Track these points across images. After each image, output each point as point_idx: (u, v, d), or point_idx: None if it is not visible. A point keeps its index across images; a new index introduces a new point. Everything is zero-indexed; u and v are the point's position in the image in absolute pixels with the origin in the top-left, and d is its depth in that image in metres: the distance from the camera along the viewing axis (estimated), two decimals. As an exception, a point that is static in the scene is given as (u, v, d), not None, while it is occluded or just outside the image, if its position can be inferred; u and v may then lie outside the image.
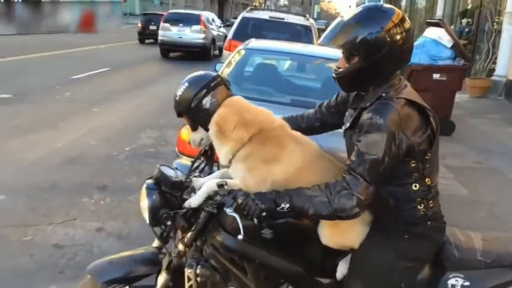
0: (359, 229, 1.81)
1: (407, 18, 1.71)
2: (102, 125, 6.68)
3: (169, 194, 1.98)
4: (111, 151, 5.51)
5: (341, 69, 1.71)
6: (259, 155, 1.82)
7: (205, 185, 1.88)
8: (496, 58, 11.07)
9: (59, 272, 3.00)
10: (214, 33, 17.30)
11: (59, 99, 8.21)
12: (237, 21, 9.06)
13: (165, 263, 1.99)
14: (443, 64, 6.91)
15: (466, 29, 13.17)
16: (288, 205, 1.66)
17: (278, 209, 1.67)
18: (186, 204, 1.88)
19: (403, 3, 19.92)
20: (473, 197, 4.47)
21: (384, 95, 1.68)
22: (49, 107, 7.50)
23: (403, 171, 1.68)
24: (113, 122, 6.90)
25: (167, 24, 15.98)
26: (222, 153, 1.86)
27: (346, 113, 1.89)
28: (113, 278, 2.00)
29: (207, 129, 1.87)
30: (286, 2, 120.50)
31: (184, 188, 1.98)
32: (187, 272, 1.90)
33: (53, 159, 5.08)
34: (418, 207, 1.72)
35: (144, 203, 1.98)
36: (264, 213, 1.67)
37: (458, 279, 1.80)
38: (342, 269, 1.86)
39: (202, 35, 16.07)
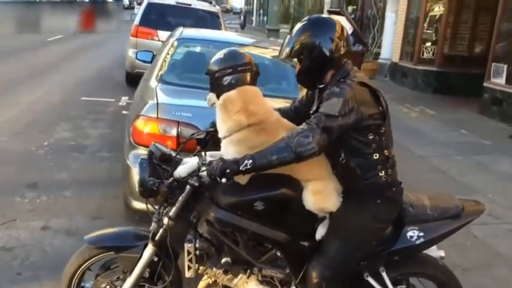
0: (336, 197, 2.12)
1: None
2: (7, 119, 6.19)
3: (159, 166, 2.17)
4: (28, 146, 5.19)
5: (303, 69, 2.08)
6: (250, 142, 2.04)
7: (193, 158, 2.16)
8: (381, 43, 12.26)
9: (16, 273, 2.89)
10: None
11: None
12: (142, 7, 8.88)
13: (151, 235, 2.17)
14: (345, 50, 7.55)
15: (352, 16, 14.29)
16: (250, 161, 1.89)
17: (241, 167, 1.89)
18: (176, 173, 2.10)
19: (293, -10, 20.84)
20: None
21: (342, 79, 2.01)
22: None
23: (364, 143, 2.01)
24: (18, 115, 6.43)
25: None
26: (222, 128, 2.12)
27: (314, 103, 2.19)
28: (104, 246, 2.26)
29: (218, 99, 2.16)
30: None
31: (174, 163, 2.18)
32: (187, 246, 2.13)
33: (-36, 158, 4.68)
34: (380, 174, 2.05)
35: (137, 175, 2.16)
36: (228, 171, 1.88)
37: (415, 231, 2.19)
38: (320, 231, 2.17)
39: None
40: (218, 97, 2.15)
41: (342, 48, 2.04)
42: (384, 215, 2.12)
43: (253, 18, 28.88)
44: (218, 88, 2.17)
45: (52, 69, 10.18)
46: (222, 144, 2.16)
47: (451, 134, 7.36)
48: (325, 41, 2.01)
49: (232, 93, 2.09)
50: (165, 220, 2.13)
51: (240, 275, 2.21)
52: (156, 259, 2.22)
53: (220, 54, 2.22)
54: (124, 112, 7.16)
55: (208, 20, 8.78)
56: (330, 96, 1.95)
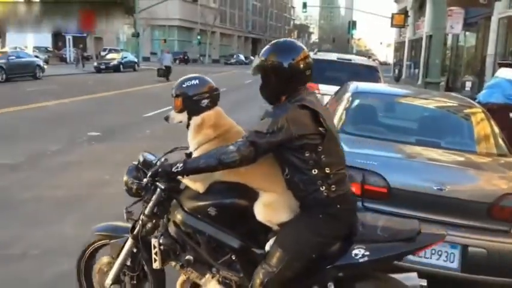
0: (286, 211, 2.27)
1: (309, 55, 2.28)
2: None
3: (142, 170, 2.53)
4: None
5: (262, 86, 2.29)
6: None
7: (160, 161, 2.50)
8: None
9: None
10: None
11: (142, 137, 8.70)
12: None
13: (130, 229, 2.55)
14: (518, 103, 7.06)
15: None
16: (181, 164, 2.22)
17: (173, 169, 2.24)
18: (149, 173, 2.38)
19: (449, 42, 20.18)
20: None
21: (287, 102, 2.20)
22: (138, 143, 7.72)
23: (302, 160, 2.16)
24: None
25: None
26: (193, 142, 2.45)
27: None
28: (101, 234, 2.74)
29: (190, 118, 2.45)
30: (317, 40, 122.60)
31: (153, 166, 2.46)
32: (153, 241, 2.45)
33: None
34: (321, 189, 2.17)
35: (124, 177, 2.57)
36: (160, 170, 2.27)
37: (361, 249, 2.20)
38: (270, 242, 2.31)
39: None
40: (190, 116, 2.45)
41: (298, 73, 2.20)
42: (325, 230, 2.20)
43: (403, 70, 28.50)
44: (192, 109, 2.44)
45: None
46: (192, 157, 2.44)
47: None
48: (284, 65, 2.18)
49: (210, 113, 2.44)
50: (142, 217, 2.48)
51: (208, 275, 2.45)
52: (135, 250, 2.57)
53: (193, 81, 2.48)
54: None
55: (367, 74, 8.95)
56: (265, 116, 2.21)
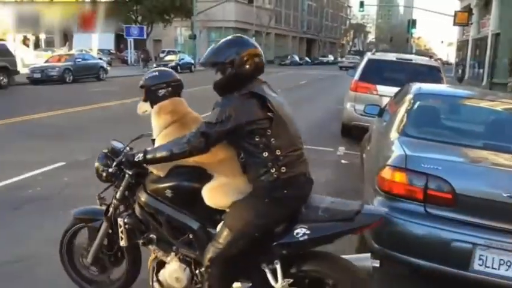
0: (232, 195, 2.39)
1: (261, 53, 2.40)
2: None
3: (111, 158, 2.75)
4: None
5: (217, 80, 2.38)
6: (174, 136, 2.46)
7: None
8: None
9: None
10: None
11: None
12: (363, 64, 9.26)
13: (104, 212, 2.80)
14: None
15: None
16: (142, 154, 2.46)
17: (135, 158, 2.48)
18: (114, 162, 2.63)
19: None
20: None
21: (235, 93, 2.30)
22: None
23: (253, 144, 2.29)
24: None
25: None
26: (155, 128, 2.68)
27: None
28: (79, 217, 3.00)
29: (152, 107, 2.70)
30: (374, 39, 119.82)
31: (120, 154, 2.69)
32: (119, 221, 2.71)
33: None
34: (271, 170, 2.28)
35: (95, 163, 2.82)
36: (123, 160, 2.54)
37: (303, 228, 2.32)
38: (222, 222, 2.43)
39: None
40: (152, 106, 2.69)
41: (243, 67, 2.31)
42: (268, 213, 2.32)
43: (467, 70, 27.24)
44: (152, 98, 2.69)
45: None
46: (155, 142, 2.65)
47: None
48: (230, 58, 2.31)
49: (166, 102, 2.67)
50: (113, 200, 2.73)
51: (172, 253, 2.64)
52: (110, 231, 2.81)
53: (154, 72, 2.76)
54: (343, 161, 7.52)
55: (428, 74, 8.57)
56: (214, 106, 2.32)
